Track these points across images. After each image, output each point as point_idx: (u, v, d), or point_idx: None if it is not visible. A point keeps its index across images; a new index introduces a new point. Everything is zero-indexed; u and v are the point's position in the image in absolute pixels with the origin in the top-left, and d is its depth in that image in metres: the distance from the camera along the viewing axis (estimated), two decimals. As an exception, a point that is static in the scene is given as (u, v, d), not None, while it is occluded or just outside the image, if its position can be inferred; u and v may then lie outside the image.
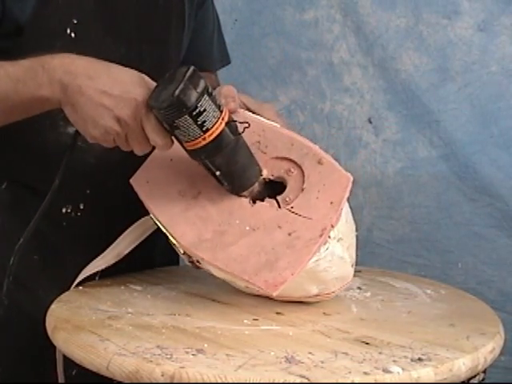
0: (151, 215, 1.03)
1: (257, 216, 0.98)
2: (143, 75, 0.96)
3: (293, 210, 0.97)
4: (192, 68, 0.90)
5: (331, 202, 0.96)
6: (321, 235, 0.93)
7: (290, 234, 0.95)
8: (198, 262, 1.01)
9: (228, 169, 0.96)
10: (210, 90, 0.90)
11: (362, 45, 1.62)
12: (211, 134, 0.91)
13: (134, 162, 1.05)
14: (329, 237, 0.95)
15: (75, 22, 1.07)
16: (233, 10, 1.75)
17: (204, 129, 0.91)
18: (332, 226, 0.94)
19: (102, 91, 0.92)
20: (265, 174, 1.02)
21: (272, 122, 1.07)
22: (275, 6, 1.70)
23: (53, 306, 1.00)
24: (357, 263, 1.06)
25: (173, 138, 0.94)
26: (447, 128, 1.54)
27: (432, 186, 1.57)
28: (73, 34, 1.07)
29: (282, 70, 1.71)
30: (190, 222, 0.99)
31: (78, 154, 1.10)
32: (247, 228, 0.97)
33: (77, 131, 0.98)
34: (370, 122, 1.63)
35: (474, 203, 1.53)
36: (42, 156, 1.10)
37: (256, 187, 1.01)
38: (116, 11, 1.12)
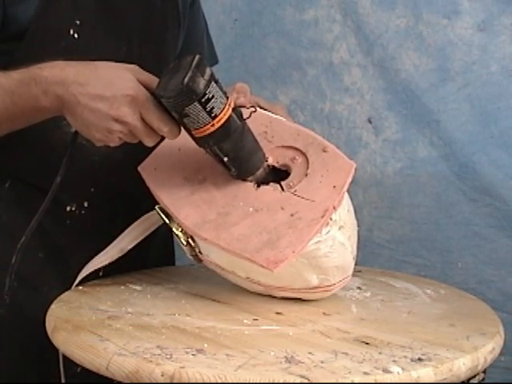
0: (157, 204, 1.03)
1: (260, 198, 0.99)
2: (129, 66, 0.96)
3: (296, 193, 0.98)
4: (198, 56, 0.91)
5: (334, 186, 0.97)
6: (322, 216, 0.94)
7: (292, 215, 0.96)
8: (200, 252, 1.01)
9: (235, 154, 0.97)
10: (216, 77, 0.92)
11: (362, 45, 1.62)
12: (219, 119, 0.92)
13: (138, 159, 1.06)
14: (330, 219, 0.96)
15: (78, 22, 1.08)
16: (233, 9, 1.75)
17: (213, 115, 0.92)
18: (334, 208, 0.95)
19: (95, 96, 0.93)
20: (270, 161, 1.03)
21: (280, 117, 1.08)
22: (275, 6, 1.70)
23: (53, 306, 1.01)
24: (357, 263, 1.06)
25: (181, 127, 0.95)
26: (447, 128, 1.54)
27: (432, 185, 1.57)
28: (76, 35, 1.08)
29: (282, 70, 1.71)
30: (194, 205, 1.00)
31: (82, 152, 1.11)
32: (250, 209, 0.98)
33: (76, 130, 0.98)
34: (370, 122, 1.63)
35: (474, 203, 1.53)
36: (45, 155, 1.10)
37: (261, 172, 1.01)
38: (116, 12, 1.13)
